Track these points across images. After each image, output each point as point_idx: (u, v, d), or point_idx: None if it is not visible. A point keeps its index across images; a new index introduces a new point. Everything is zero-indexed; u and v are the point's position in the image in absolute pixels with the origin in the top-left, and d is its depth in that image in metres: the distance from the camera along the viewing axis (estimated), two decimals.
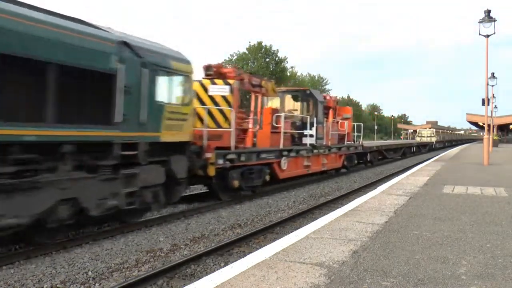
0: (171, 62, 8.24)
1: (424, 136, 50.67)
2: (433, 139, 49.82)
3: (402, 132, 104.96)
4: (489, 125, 22.95)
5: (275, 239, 6.27)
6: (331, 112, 17.89)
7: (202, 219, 9.00)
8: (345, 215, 6.48)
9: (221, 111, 10.96)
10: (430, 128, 62.05)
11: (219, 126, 10.96)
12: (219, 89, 10.99)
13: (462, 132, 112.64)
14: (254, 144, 12.05)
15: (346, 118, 19.37)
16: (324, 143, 16.13)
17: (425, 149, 44.60)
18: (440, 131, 63.05)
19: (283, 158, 12.86)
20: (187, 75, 8.80)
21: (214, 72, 11.32)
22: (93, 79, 6.54)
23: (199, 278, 4.64)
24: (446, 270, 3.92)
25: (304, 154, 14.30)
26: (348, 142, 19.26)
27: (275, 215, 9.68)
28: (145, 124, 7.43)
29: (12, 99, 5.58)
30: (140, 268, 5.91)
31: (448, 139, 64.78)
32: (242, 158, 10.81)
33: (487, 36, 18.22)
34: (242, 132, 11.83)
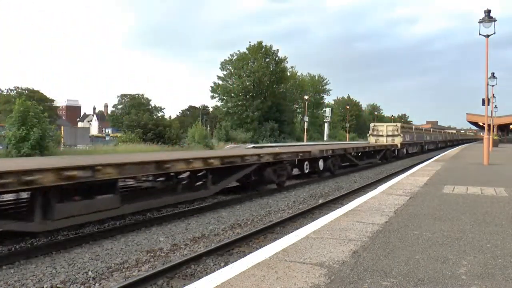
0: None
1: (382, 136, 32.23)
2: (397, 141, 31.25)
3: None
4: (489, 125, 22.95)
5: (275, 239, 6.27)
6: None
7: (202, 219, 9.00)
8: (345, 215, 6.47)
9: None
10: (394, 123, 36.97)
11: None
12: None
13: (455, 131, 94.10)
14: None
15: None
16: None
17: (377, 159, 26.20)
18: (414, 128, 40.14)
19: None
20: None
21: None
22: None
23: (199, 278, 4.64)
24: (446, 270, 3.91)
25: None
26: None
27: (275, 215, 9.68)
28: None
29: None
30: (140, 268, 5.91)
31: (430, 140, 45.40)
32: None
33: (487, 36, 18.23)
34: None
